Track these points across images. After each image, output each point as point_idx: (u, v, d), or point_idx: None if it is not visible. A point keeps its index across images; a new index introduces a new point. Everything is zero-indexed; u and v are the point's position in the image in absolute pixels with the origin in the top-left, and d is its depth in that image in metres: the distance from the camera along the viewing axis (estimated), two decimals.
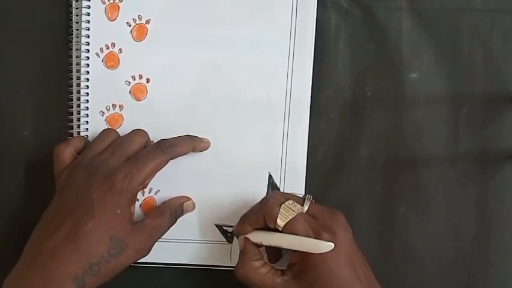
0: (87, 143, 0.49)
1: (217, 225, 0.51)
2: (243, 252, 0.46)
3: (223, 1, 0.51)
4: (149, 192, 0.50)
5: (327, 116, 0.52)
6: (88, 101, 0.50)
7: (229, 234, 0.51)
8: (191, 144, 0.49)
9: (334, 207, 0.46)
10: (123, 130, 0.50)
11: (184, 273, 0.51)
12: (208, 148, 0.50)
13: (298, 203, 0.45)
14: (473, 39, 0.52)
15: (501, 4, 0.52)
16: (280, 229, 0.44)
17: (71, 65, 0.50)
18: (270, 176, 0.51)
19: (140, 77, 0.51)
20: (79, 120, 0.50)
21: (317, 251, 0.42)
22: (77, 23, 0.50)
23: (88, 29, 0.50)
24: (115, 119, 0.50)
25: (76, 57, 0.50)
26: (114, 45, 0.50)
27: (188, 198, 0.50)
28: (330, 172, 0.52)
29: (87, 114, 0.50)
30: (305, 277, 0.43)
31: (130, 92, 0.51)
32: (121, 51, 0.50)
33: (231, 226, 0.50)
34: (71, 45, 0.50)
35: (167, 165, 0.47)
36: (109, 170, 0.45)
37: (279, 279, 0.44)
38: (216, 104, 0.51)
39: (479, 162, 0.52)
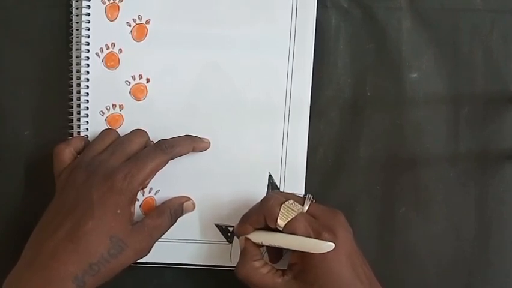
0: (87, 143, 0.49)
1: (217, 225, 0.51)
2: (243, 253, 0.46)
3: (223, 1, 0.51)
4: (149, 192, 0.50)
5: (327, 116, 0.52)
6: (88, 101, 0.50)
7: (229, 234, 0.51)
8: (191, 144, 0.49)
9: (334, 207, 0.46)
10: (123, 130, 0.50)
11: (184, 273, 0.51)
12: (208, 148, 0.50)
13: (299, 203, 0.45)
14: (473, 39, 0.52)
15: (501, 4, 0.52)
16: (280, 229, 0.44)
17: (71, 65, 0.50)
18: (270, 176, 0.51)
19: (140, 77, 0.51)
20: (79, 120, 0.50)
21: (318, 251, 0.42)
22: (77, 23, 0.50)
23: (88, 29, 0.50)
24: (115, 119, 0.50)
25: (76, 57, 0.50)
26: (114, 45, 0.50)
27: (189, 198, 0.50)
28: (330, 172, 0.52)
29: (87, 114, 0.50)
30: (306, 277, 0.43)
31: (130, 92, 0.51)
32: (121, 51, 0.50)
33: (231, 226, 0.50)
34: (71, 45, 0.50)
35: (167, 165, 0.47)
36: (109, 170, 0.45)
37: (280, 280, 0.44)
38: (216, 104, 0.51)
39: (479, 162, 0.52)
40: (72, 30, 0.50)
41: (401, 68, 0.52)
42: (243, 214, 0.48)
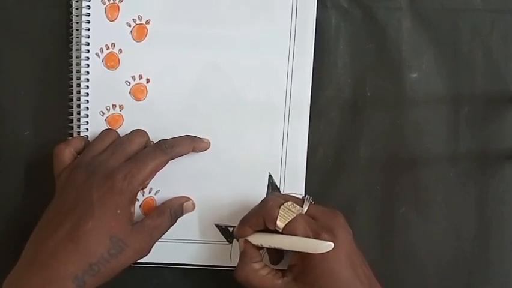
0: (87, 143, 0.49)
1: (217, 225, 0.51)
2: (243, 255, 0.46)
3: (223, 1, 0.51)
4: (149, 193, 0.50)
5: (327, 116, 0.52)
6: (88, 101, 0.50)
7: (230, 233, 0.51)
8: (191, 144, 0.49)
9: (334, 207, 0.46)
10: (123, 130, 0.50)
11: (184, 273, 0.51)
12: (208, 148, 0.50)
13: (298, 204, 0.45)
14: (473, 39, 0.52)
15: (501, 4, 0.52)
16: (280, 230, 0.44)
17: (71, 65, 0.50)
18: (270, 176, 0.51)
19: (140, 77, 0.51)
20: (79, 120, 0.50)
21: (317, 251, 0.42)
22: (77, 23, 0.50)
23: (88, 29, 0.50)
24: (115, 119, 0.50)
25: (76, 57, 0.50)
26: (114, 46, 0.50)
27: (188, 199, 0.50)
28: (330, 172, 0.52)
29: (87, 115, 0.50)
30: (305, 278, 0.43)
31: (130, 92, 0.51)
32: (121, 52, 0.50)
33: (231, 226, 0.50)
34: (71, 45, 0.50)
35: (167, 165, 0.47)
36: (109, 170, 0.45)
37: (279, 281, 0.44)
38: (216, 104, 0.51)
39: (479, 162, 0.52)
40: (72, 30, 0.50)
41: (401, 68, 0.52)
42: (243, 214, 0.48)
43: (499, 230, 0.52)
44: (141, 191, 0.49)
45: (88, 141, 0.50)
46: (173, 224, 0.48)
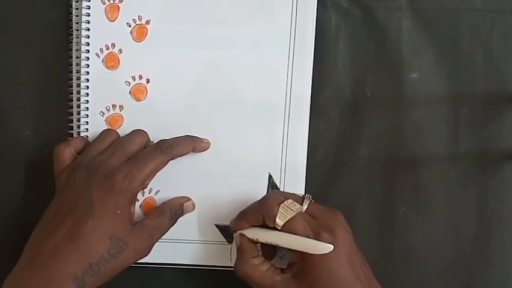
0: (87, 143, 0.49)
1: (217, 226, 0.51)
2: (240, 250, 0.46)
3: (223, 1, 0.51)
4: (149, 193, 0.50)
5: (327, 116, 0.52)
6: (88, 101, 0.50)
7: (230, 233, 0.51)
8: (191, 144, 0.49)
9: (334, 207, 0.46)
10: (123, 130, 0.50)
11: (184, 273, 0.51)
12: (208, 148, 0.50)
13: (298, 203, 0.45)
14: (473, 39, 0.52)
15: (501, 4, 0.52)
16: (279, 228, 0.44)
17: (71, 65, 0.50)
18: (270, 176, 0.51)
19: (140, 77, 0.51)
20: (79, 120, 0.50)
21: (316, 252, 0.42)
22: (77, 23, 0.50)
23: (88, 29, 0.50)
24: (115, 120, 0.50)
25: (76, 57, 0.50)
26: (114, 46, 0.50)
27: (189, 199, 0.50)
28: (330, 172, 0.52)
29: (87, 115, 0.50)
30: (305, 276, 0.43)
31: (130, 92, 0.51)
32: (121, 52, 0.50)
33: None
34: (71, 45, 0.50)
35: (167, 165, 0.47)
36: (109, 170, 0.45)
37: (279, 278, 0.44)
38: (216, 104, 0.51)
39: (479, 162, 0.52)
40: (72, 30, 0.50)
41: (401, 68, 0.52)
42: (239, 212, 0.48)
43: (499, 230, 0.52)
44: (141, 191, 0.49)
45: (88, 141, 0.50)
46: (174, 224, 0.48)
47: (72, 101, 0.50)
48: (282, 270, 0.45)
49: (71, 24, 0.50)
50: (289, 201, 0.45)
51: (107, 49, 0.50)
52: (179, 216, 0.49)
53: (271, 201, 0.45)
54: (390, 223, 0.52)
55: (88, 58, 0.50)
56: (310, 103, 0.51)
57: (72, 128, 0.50)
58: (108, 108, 0.50)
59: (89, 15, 0.50)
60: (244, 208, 0.48)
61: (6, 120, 0.51)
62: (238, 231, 0.47)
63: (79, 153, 0.48)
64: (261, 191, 0.51)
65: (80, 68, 0.50)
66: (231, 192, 0.50)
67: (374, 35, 0.52)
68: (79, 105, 0.50)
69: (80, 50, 0.50)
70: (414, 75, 0.52)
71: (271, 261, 0.47)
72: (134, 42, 0.50)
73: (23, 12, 0.51)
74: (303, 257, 0.43)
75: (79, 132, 0.50)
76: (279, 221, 0.44)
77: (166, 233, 0.47)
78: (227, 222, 0.50)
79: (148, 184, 0.48)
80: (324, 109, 0.52)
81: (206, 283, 0.51)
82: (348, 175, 0.52)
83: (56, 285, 0.42)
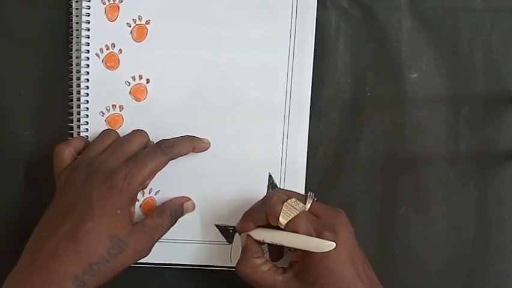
0: (87, 143, 0.49)
1: (217, 226, 0.51)
2: (244, 250, 0.46)
3: (223, 1, 0.51)
4: (149, 193, 0.50)
5: (327, 116, 0.52)
6: (88, 101, 0.50)
7: (230, 233, 0.51)
8: (191, 144, 0.49)
9: (334, 207, 0.46)
10: (123, 130, 0.50)
11: (184, 273, 0.51)
12: (208, 148, 0.50)
13: (301, 201, 0.45)
14: (473, 39, 0.52)
15: (501, 4, 0.52)
16: (282, 227, 0.44)
17: (71, 65, 0.50)
18: (270, 176, 0.51)
19: (140, 77, 0.51)
20: (79, 120, 0.50)
21: (319, 250, 0.42)
22: (77, 23, 0.50)
23: (88, 30, 0.50)
24: (115, 120, 0.50)
25: (76, 57, 0.50)
26: (114, 46, 0.50)
27: (189, 199, 0.50)
28: (330, 172, 0.52)
29: (87, 115, 0.50)
30: (306, 276, 0.43)
31: (130, 92, 0.51)
32: (121, 52, 0.50)
33: (232, 226, 0.50)
34: (71, 45, 0.50)
35: (167, 165, 0.47)
36: (109, 170, 0.45)
37: (280, 277, 0.44)
38: (216, 104, 0.51)
39: (479, 162, 0.52)
40: (72, 30, 0.50)
41: (401, 68, 0.52)
42: (243, 214, 0.48)
43: (499, 230, 0.52)
44: (141, 191, 0.49)
45: (88, 141, 0.50)
46: (174, 224, 0.48)
47: (72, 101, 0.50)
48: (284, 270, 0.45)
49: (71, 24, 0.50)
50: (293, 200, 0.45)
51: (107, 49, 0.50)
52: (180, 216, 0.49)
53: (275, 200, 0.45)
54: (390, 223, 0.52)
55: (88, 58, 0.50)
56: (310, 103, 0.51)
57: (72, 128, 0.50)
58: (108, 108, 0.50)
59: (89, 15, 0.50)
60: (244, 208, 0.48)
61: (6, 120, 0.51)
62: (244, 233, 0.47)
63: (79, 153, 0.48)
64: (261, 191, 0.51)
65: (80, 68, 0.50)
66: (231, 192, 0.51)
67: (374, 35, 0.52)
68: (79, 105, 0.50)
69: (80, 50, 0.50)
70: (414, 75, 0.52)
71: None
72: (134, 42, 0.50)
73: (23, 12, 0.51)
74: (304, 256, 0.43)
75: (79, 132, 0.50)
76: (282, 220, 0.44)
77: (166, 233, 0.47)
78: (227, 222, 0.50)
79: (148, 184, 0.48)
80: (324, 109, 0.52)
81: (206, 283, 0.51)
82: (348, 175, 0.52)
83: (56, 285, 0.42)
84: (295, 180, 0.51)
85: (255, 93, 0.51)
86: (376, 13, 0.52)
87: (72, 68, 0.50)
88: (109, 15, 0.50)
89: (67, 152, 0.48)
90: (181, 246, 0.50)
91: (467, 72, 0.52)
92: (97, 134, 0.49)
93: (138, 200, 0.49)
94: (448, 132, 0.52)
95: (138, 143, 0.48)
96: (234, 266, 0.46)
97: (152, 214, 0.47)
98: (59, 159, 0.47)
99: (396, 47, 0.52)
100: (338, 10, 0.52)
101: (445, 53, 0.52)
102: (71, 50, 0.50)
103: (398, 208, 0.52)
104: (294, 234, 0.43)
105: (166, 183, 0.49)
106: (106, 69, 0.50)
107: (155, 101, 0.51)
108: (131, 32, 0.50)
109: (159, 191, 0.50)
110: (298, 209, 0.44)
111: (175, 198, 0.50)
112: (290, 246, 0.44)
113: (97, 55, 0.50)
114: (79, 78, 0.50)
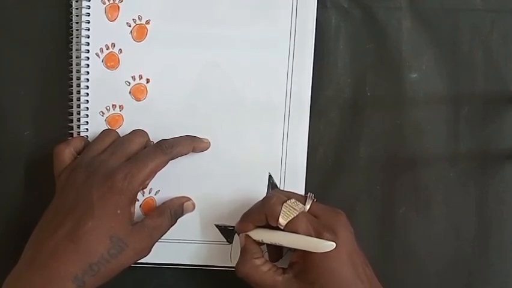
0: (87, 143, 0.49)
1: (217, 226, 0.51)
2: (244, 250, 0.46)
3: (223, 1, 0.51)
4: (149, 193, 0.50)
5: (327, 116, 0.52)
6: (88, 101, 0.50)
7: (230, 233, 0.51)
8: (191, 144, 0.49)
9: (334, 207, 0.46)
10: (123, 130, 0.50)
11: (184, 273, 0.51)
12: (208, 148, 0.50)
13: (300, 202, 0.45)
14: (473, 39, 0.52)
15: (501, 4, 0.52)
16: (282, 228, 0.44)
17: (71, 65, 0.50)
18: (270, 176, 0.51)
19: (140, 77, 0.51)
20: (79, 120, 0.50)
21: (318, 250, 0.42)
22: (77, 23, 0.50)
23: (88, 29, 0.50)
24: (115, 119, 0.50)
25: (76, 57, 0.50)
26: (114, 46, 0.50)
27: (189, 199, 0.50)
28: (330, 172, 0.52)
29: (87, 115, 0.50)
30: (306, 276, 0.43)
31: (130, 92, 0.51)
32: (121, 52, 0.50)
33: (232, 226, 0.50)
34: (71, 45, 0.50)
35: (167, 165, 0.47)
36: (109, 170, 0.45)
37: (280, 278, 0.44)
38: (216, 104, 0.51)
39: (479, 162, 0.52)
40: (72, 30, 0.50)
41: (401, 68, 0.52)
42: (243, 214, 0.48)
43: (499, 230, 0.52)
44: (141, 191, 0.49)
45: (88, 141, 0.50)
46: (174, 224, 0.48)
47: (72, 101, 0.50)
48: (284, 270, 0.45)
49: (71, 24, 0.50)
50: (292, 200, 0.45)
51: (107, 49, 0.50)
52: (180, 216, 0.49)
53: (274, 201, 0.45)
54: (390, 223, 0.52)
55: (88, 58, 0.50)
56: (310, 103, 0.51)
57: (72, 128, 0.50)
58: (108, 108, 0.50)
59: (89, 15, 0.50)
60: (244, 208, 0.48)
61: (6, 120, 0.51)
62: (244, 233, 0.47)
63: (79, 153, 0.48)
64: (261, 191, 0.51)
65: (80, 68, 0.50)
66: (231, 192, 0.51)
67: (374, 35, 0.52)
68: (79, 105, 0.50)
69: (80, 50, 0.50)
70: (414, 75, 0.52)
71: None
72: (134, 42, 0.50)
73: (23, 12, 0.51)
74: (304, 256, 0.43)
75: (79, 132, 0.50)
76: (282, 221, 0.44)
77: (166, 233, 0.47)
78: (227, 222, 0.50)
79: (148, 184, 0.48)
80: (324, 109, 0.52)
81: (206, 283, 0.51)
82: (348, 175, 0.52)
83: (56, 285, 0.42)
84: (295, 180, 0.51)
85: (255, 93, 0.51)
86: (376, 13, 0.52)
87: (72, 68, 0.50)
88: (109, 15, 0.50)
89: (67, 152, 0.48)
90: (181, 246, 0.50)
91: (467, 72, 0.52)
92: (97, 134, 0.49)
93: (138, 200, 0.49)
94: (448, 132, 0.52)
95: (138, 143, 0.48)
96: (234, 266, 0.46)
97: (152, 214, 0.47)
98: (59, 159, 0.47)
99: (396, 47, 0.52)
100: (338, 10, 0.52)
101: (445, 53, 0.52)
102: (71, 50, 0.50)
103: (398, 208, 0.52)
104: (294, 234, 0.43)
105: (166, 183, 0.49)
106: (106, 69, 0.50)
107: (155, 101, 0.51)
108: (131, 31, 0.50)
109: (159, 191, 0.50)
110: (298, 209, 0.44)
111: (175, 198, 0.50)
112: (290, 246, 0.44)
113: (97, 55, 0.50)
114: (79, 78, 0.50)
